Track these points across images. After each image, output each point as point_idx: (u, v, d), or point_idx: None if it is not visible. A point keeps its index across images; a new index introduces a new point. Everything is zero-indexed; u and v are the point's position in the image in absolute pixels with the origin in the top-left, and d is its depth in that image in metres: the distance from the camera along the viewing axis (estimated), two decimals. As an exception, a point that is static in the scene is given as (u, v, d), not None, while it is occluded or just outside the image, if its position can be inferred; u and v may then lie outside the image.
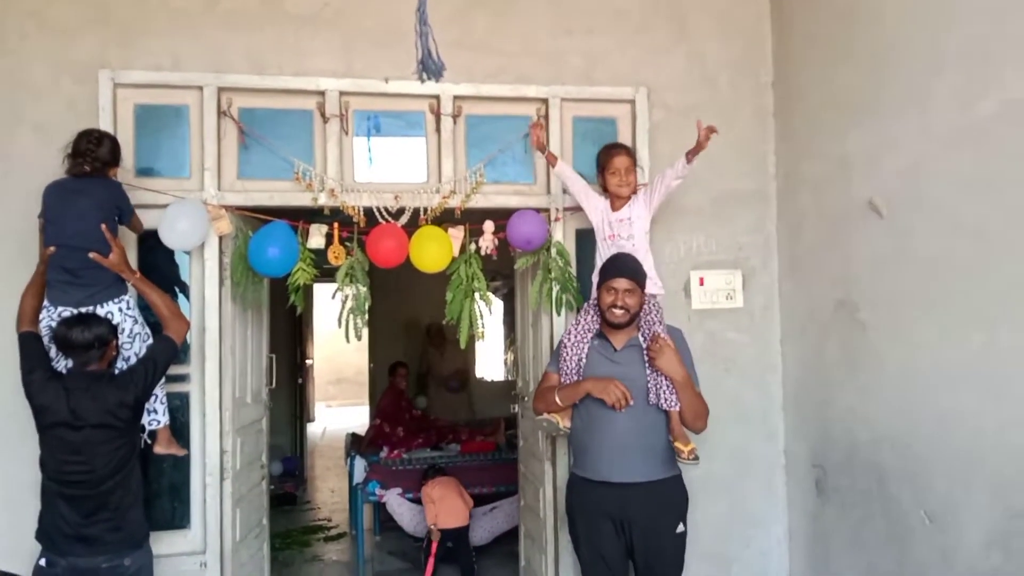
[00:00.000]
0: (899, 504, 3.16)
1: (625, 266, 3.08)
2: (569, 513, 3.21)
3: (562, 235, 3.89)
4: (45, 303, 3.01)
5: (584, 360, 3.11)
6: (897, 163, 3.16)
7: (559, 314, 3.82)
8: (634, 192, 3.47)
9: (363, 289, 3.56)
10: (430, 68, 2.09)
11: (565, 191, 3.83)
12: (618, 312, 3.02)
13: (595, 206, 3.51)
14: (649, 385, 3.04)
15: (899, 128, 3.15)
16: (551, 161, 3.66)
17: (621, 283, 3.02)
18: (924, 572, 3.02)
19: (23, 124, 3.50)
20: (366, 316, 3.58)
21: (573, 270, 3.82)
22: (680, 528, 3.05)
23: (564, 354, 3.15)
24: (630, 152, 3.51)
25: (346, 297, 3.55)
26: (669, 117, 4.02)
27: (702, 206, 4.05)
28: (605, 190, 3.52)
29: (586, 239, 4.01)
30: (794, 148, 3.99)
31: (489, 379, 10.12)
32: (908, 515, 3.10)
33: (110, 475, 2.81)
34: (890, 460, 3.22)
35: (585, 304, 3.35)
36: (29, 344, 2.92)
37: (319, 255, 3.61)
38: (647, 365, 3.05)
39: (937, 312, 2.95)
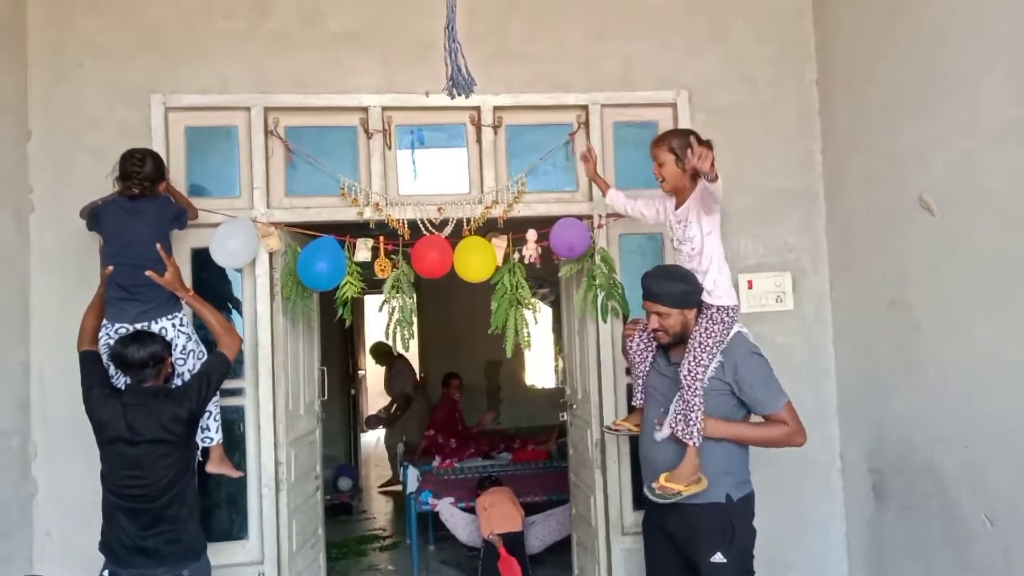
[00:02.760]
0: (959, 507, 3.07)
1: (649, 287, 2.84)
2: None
3: (606, 241, 3.88)
4: (104, 321, 3.11)
5: (647, 368, 3.00)
6: (948, 158, 3.08)
7: (604, 321, 3.81)
8: (676, 189, 3.00)
9: (409, 301, 3.60)
10: (460, 84, 2.12)
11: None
12: (657, 334, 2.85)
13: (658, 209, 3.17)
14: (673, 408, 2.77)
15: (949, 122, 3.07)
16: (603, 191, 3.53)
17: (650, 306, 2.83)
18: (987, 577, 2.93)
19: (80, 149, 3.65)
20: (413, 327, 3.63)
21: (618, 276, 3.80)
22: (718, 558, 2.73)
23: (630, 360, 3.12)
24: (661, 140, 2.97)
25: (392, 309, 3.59)
26: (711, 119, 3.98)
27: (748, 208, 4.00)
28: None
29: (631, 244, 4.00)
30: (841, 145, 3.92)
31: (540, 386, 10.11)
32: (968, 518, 3.01)
33: (166, 489, 2.88)
34: (948, 462, 3.13)
35: None
36: (89, 362, 3.02)
37: (366, 268, 3.66)
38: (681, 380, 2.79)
39: (994, 310, 2.87)
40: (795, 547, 3.98)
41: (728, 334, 2.80)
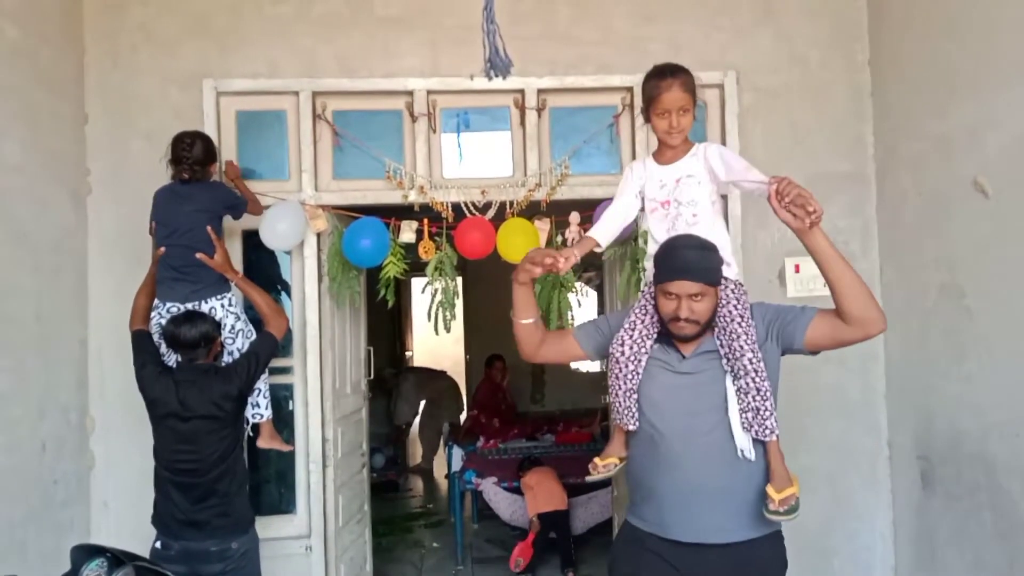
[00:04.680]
0: (1009, 496, 3.00)
1: (689, 260, 2.14)
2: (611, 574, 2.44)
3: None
4: (155, 301, 3.21)
5: (641, 376, 2.27)
6: (1001, 139, 2.99)
7: (648, 304, 3.79)
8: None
9: (451, 283, 3.64)
10: (498, 65, 2.14)
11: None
12: (684, 325, 2.16)
13: (629, 181, 2.43)
14: (740, 402, 2.17)
15: (1003, 103, 2.98)
16: (593, 246, 2.45)
17: (686, 286, 2.13)
18: (1038, 569, 2.87)
19: (135, 133, 3.74)
20: (455, 309, 3.66)
21: (663, 259, 3.78)
22: None
23: (616, 371, 2.29)
24: (686, 82, 2.27)
25: (435, 291, 3.64)
26: (759, 100, 3.93)
27: (796, 190, 3.93)
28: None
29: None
30: (893, 127, 3.83)
31: (584, 370, 10.11)
32: (1019, 508, 2.95)
33: (217, 463, 2.97)
34: (999, 450, 3.06)
35: (641, 297, 2.38)
36: (141, 341, 3.12)
37: (410, 251, 3.71)
38: (731, 370, 2.19)
39: (1049, 296, 2.79)
40: (840, 535, 3.94)
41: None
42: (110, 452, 3.73)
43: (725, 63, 3.94)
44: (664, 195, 2.32)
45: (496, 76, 2.20)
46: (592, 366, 10.36)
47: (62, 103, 3.59)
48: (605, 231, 2.43)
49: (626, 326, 2.31)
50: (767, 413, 2.15)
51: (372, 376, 4.57)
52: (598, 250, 2.48)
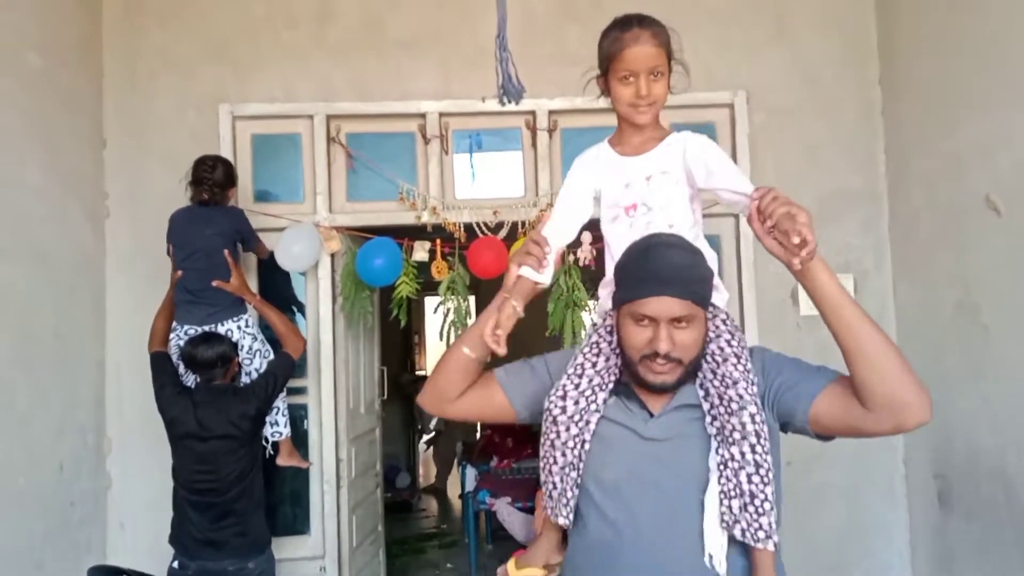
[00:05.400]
0: (1029, 515, 2.98)
1: (674, 265, 1.46)
2: None
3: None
4: (174, 323, 3.25)
5: (588, 444, 1.56)
6: (1014, 157, 2.99)
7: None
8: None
9: (463, 303, 3.66)
10: (510, 92, 2.16)
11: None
12: (661, 367, 1.47)
13: (579, 178, 1.78)
14: (723, 482, 1.47)
15: (1014, 121, 2.98)
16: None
17: (667, 305, 1.44)
18: (1060, 589, 2.84)
19: (152, 155, 3.80)
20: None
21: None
22: None
23: (553, 436, 1.58)
24: (658, 34, 1.68)
25: (448, 310, 3.66)
26: (770, 119, 3.95)
27: (808, 207, 3.92)
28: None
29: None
30: (904, 144, 3.84)
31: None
32: (1040, 527, 2.92)
33: (234, 483, 2.99)
34: (1018, 467, 3.04)
35: (592, 333, 1.68)
36: (160, 362, 3.16)
37: (422, 271, 3.73)
38: (718, 432, 1.49)
39: (1065, 312, 2.78)
40: (857, 552, 3.91)
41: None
42: (127, 472, 3.76)
43: (735, 82, 3.97)
44: (630, 198, 1.64)
45: (509, 102, 2.21)
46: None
47: (81, 126, 3.65)
48: (548, 262, 1.65)
49: (570, 371, 1.60)
50: (765, 506, 1.43)
51: (385, 396, 4.58)
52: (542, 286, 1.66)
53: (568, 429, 1.56)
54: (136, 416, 3.65)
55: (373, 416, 4.39)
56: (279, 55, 3.88)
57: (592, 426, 1.56)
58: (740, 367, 1.51)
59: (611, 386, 1.59)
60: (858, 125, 4.01)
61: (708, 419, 1.51)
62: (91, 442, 3.63)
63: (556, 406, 1.58)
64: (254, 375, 3.24)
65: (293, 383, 3.63)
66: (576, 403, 1.57)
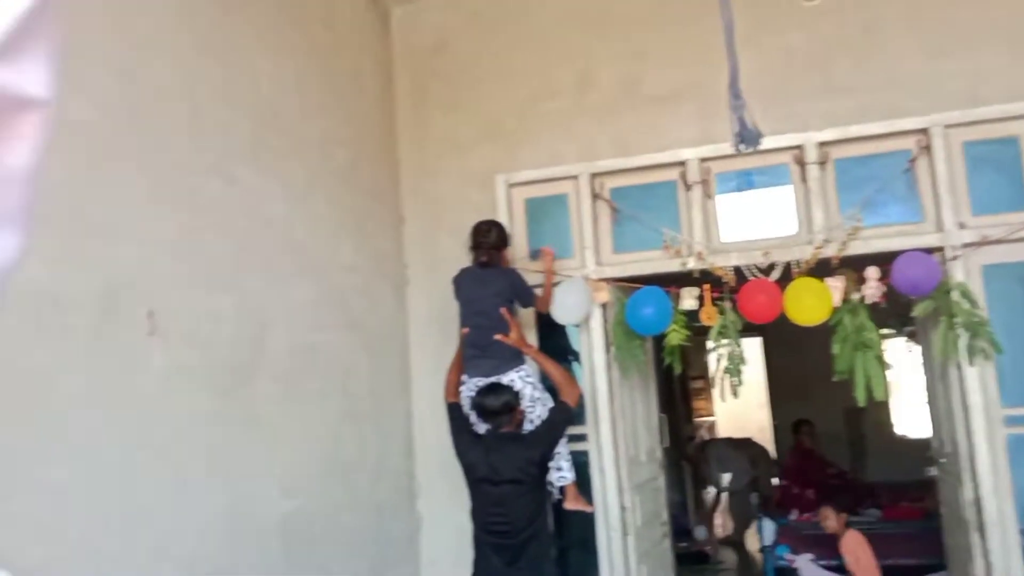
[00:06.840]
0: None
1: None
2: None
3: (965, 274, 3.51)
4: (463, 376, 3.56)
5: None
6: None
7: (971, 364, 3.43)
8: None
9: (738, 348, 3.58)
10: (747, 138, 2.15)
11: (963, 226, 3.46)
12: None
13: None
14: None
15: None
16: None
17: None
18: None
19: (441, 229, 4.25)
20: (742, 375, 3.59)
21: (984, 313, 3.41)
22: None
23: None
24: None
25: (719, 357, 3.60)
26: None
27: None
28: None
29: (997, 277, 3.56)
30: None
31: (911, 436, 9.13)
32: None
33: (525, 526, 3.18)
34: None
35: None
36: (454, 412, 3.48)
37: (692, 317, 3.72)
38: None
39: None
40: None
41: None
42: (433, 513, 4.13)
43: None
44: None
45: (746, 150, 2.21)
46: (921, 430, 9.31)
47: (384, 208, 4.20)
48: None
49: None
50: None
51: (668, 444, 4.58)
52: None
53: None
54: (438, 461, 4.00)
55: (655, 464, 4.40)
56: (544, 123, 4.18)
57: None
58: None
59: None
60: None
61: None
62: (403, 485, 4.06)
63: None
64: (537, 422, 3.43)
65: (573, 430, 3.79)
66: None
